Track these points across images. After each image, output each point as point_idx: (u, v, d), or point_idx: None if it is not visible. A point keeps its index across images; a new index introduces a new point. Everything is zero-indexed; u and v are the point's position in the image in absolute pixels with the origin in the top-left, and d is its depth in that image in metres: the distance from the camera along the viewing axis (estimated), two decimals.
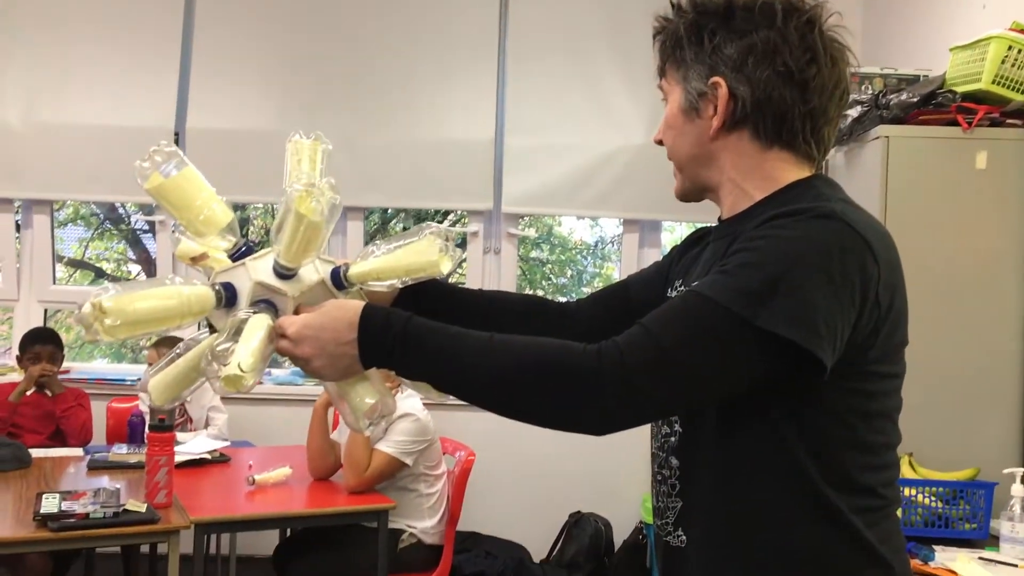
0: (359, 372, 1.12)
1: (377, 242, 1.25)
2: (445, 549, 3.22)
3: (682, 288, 1.24)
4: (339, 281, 1.21)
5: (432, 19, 4.51)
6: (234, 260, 1.19)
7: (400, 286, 1.26)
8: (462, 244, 5.21)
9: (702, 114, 1.15)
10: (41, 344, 3.74)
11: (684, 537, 1.16)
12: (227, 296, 1.14)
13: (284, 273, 1.16)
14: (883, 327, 1.05)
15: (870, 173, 2.82)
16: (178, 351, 1.20)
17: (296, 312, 1.15)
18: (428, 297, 1.30)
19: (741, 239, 1.06)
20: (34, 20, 4.39)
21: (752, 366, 1.01)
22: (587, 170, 4.47)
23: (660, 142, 1.24)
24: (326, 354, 1.09)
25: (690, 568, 1.15)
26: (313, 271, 1.19)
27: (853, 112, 2.89)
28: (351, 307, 1.10)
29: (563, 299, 1.43)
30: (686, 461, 1.15)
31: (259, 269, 1.16)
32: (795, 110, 1.12)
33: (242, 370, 1.05)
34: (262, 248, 1.22)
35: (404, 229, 6.78)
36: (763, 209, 1.11)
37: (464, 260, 4.74)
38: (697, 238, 1.32)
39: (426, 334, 1.07)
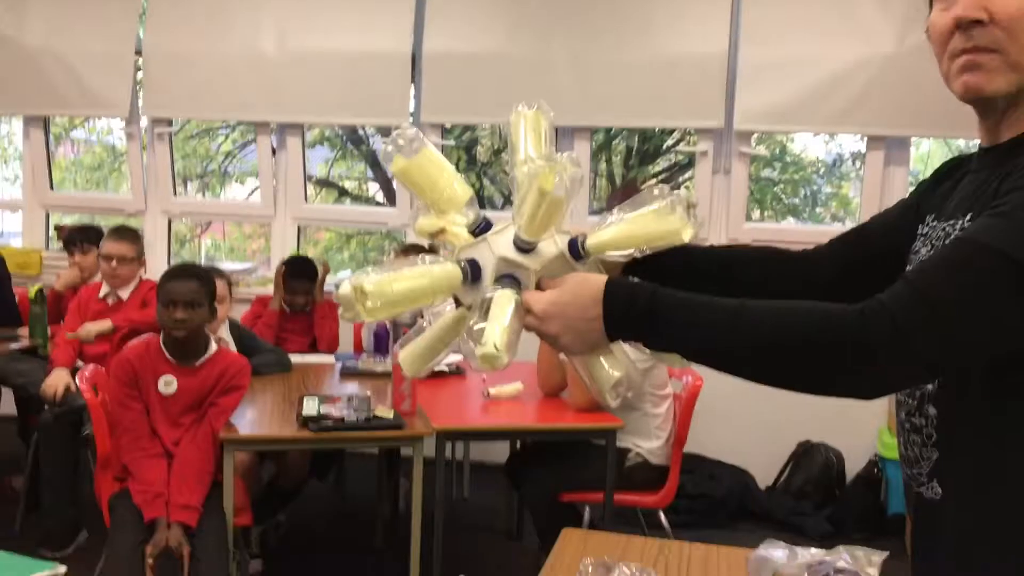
0: (606, 346, 1.13)
1: (613, 210, 1.23)
2: (672, 470, 3.25)
3: (935, 223, 1.14)
4: (576, 252, 1.20)
5: None
6: (475, 235, 1.22)
7: (639, 256, 1.23)
8: (689, 164, 5.07)
9: None
10: (298, 280, 4.03)
11: (939, 490, 1.10)
12: (472, 272, 1.17)
13: (525, 247, 1.17)
14: None
15: None
16: (426, 323, 1.24)
17: (538, 285, 1.16)
18: (660, 258, 1.25)
19: (1017, 174, 0.96)
20: None
21: None
22: (828, 83, 4.19)
23: (977, 21, 1.02)
24: (573, 330, 1.08)
25: (947, 522, 1.09)
26: (552, 244, 1.19)
27: None
28: (594, 282, 1.08)
29: (802, 248, 1.33)
30: (946, 410, 1.08)
31: (501, 244, 1.18)
32: None
33: (497, 349, 1.07)
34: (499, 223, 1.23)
35: (628, 148, 6.68)
36: None
37: (689, 179, 4.64)
38: (948, 170, 1.20)
39: (673, 306, 1.04)
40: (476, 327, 1.10)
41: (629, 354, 1.23)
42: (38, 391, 3.39)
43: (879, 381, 0.97)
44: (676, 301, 1.05)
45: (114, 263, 3.67)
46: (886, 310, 0.95)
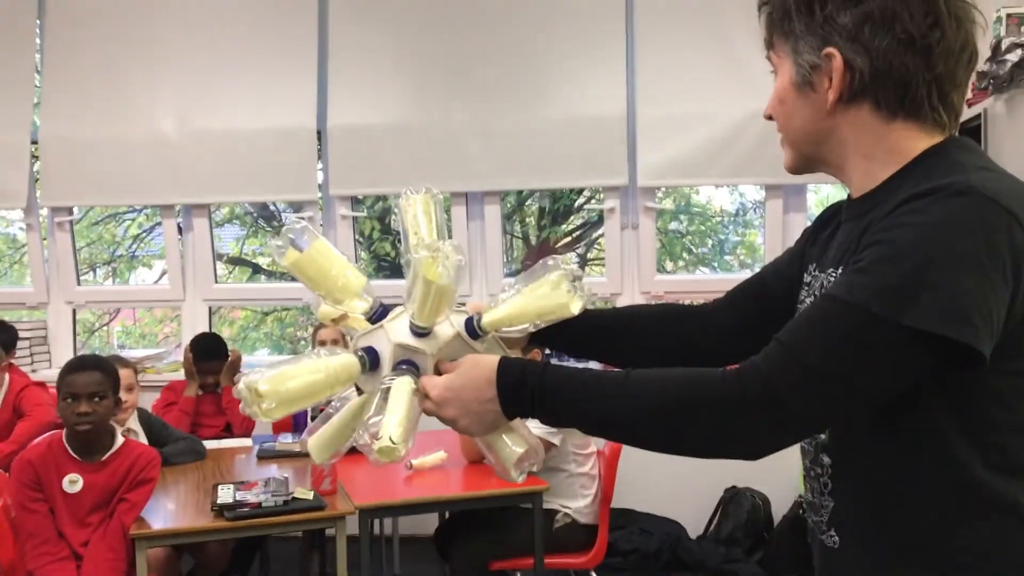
0: (505, 424, 1.15)
1: (506, 287, 1.26)
2: (600, 528, 3.23)
3: (816, 272, 1.18)
4: (473, 331, 1.23)
5: None
6: (372, 322, 1.23)
7: (533, 330, 1.27)
8: (600, 221, 5.17)
9: (816, 88, 1.09)
10: (208, 361, 3.91)
11: (837, 539, 1.11)
12: (370, 361, 1.19)
13: (420, 332, 1.19)
14: None
15: None
16: (331, 410, 1.24)
17: (436, 368, 1.18)
18: (562, 327, 1.28)
19: (874, 228, 0.99)
20: (179, 35, 4.64)
21: (905, 369, 0.95)
22: (724, 136, 4.35)
23: (770, 117, 1.18)
24: (470, 413, 1.11)
25: (847, 571, 1.10)
26: (448, 326, 1.22)
27: (1013, 56, 2.68)
28: (487, 364, 1.11)
29: (699, 303, 1.39)
30: (838, 459, 1.10)
31: (397, 330, 1.20)
32: (919, 78, 1.04)
33: (393, 442, 1.08)
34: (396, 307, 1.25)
35: (540, 209, 6.73)
36: (894, 187, 1.04)
37: (602, 235, 4.71)
38: (829, 216, 1.26)
39: (562, 383, 1.07)
40: (372, 420, 1.10)
41: (536, 426, 1.23)
42: None
43: (760, 441, 0.99)
44: (565, 377, 1.07)
45: None
46: (759, 371, 0.97)
